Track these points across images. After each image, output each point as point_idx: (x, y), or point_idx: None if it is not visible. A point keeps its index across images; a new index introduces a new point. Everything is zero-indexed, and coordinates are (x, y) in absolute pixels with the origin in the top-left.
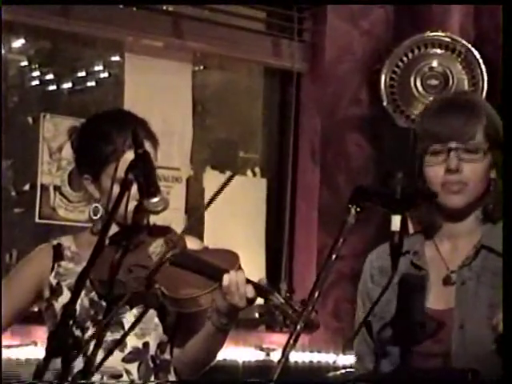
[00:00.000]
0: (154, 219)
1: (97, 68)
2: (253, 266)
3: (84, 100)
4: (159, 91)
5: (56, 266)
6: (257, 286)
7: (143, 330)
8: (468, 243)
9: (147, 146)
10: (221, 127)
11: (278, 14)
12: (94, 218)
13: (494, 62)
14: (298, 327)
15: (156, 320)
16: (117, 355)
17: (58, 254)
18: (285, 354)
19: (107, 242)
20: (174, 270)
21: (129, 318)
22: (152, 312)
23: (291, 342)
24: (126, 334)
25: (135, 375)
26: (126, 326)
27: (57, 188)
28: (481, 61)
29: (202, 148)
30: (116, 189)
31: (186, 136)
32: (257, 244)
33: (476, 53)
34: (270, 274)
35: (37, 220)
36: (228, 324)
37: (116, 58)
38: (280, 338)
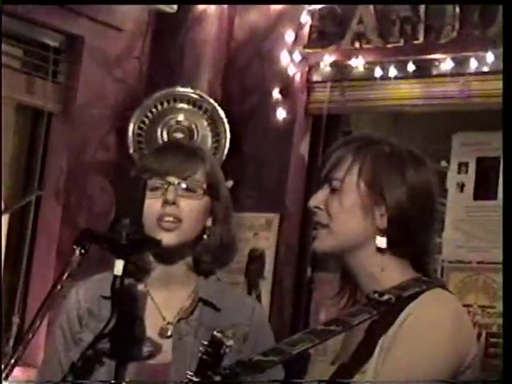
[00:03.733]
0: None
1: None
2: None
3: None
4: None
5: None
6: None
7: None
8: (182, 292)
9: None
10: None
11: (34, 53)
12: None
13: (238, 121)
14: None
15: None
16: None
17: None
18: None
19: None
20: None
21: None
22: None
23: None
24: None
25: None
26: None
27: None
28: (225, 119)
29: None
30: None
31: None
32: None
33: (221, 111)
34: (6, 307)
35: None
36: None
37: None
38: None
